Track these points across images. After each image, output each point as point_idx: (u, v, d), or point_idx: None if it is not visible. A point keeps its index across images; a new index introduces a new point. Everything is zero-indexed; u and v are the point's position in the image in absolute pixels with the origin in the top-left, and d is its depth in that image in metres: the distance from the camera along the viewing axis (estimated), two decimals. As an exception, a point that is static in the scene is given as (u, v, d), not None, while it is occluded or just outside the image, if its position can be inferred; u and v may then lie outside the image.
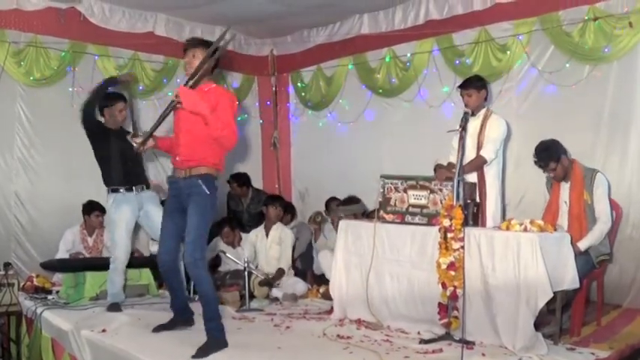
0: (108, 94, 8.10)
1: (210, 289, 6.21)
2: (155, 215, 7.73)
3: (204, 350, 5.90)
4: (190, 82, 6.22)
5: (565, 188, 7.16)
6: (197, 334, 6.33)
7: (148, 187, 8.01)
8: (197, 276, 6.18)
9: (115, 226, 7.94)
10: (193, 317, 6.88)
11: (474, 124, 7.41)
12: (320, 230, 10.13)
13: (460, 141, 6.63)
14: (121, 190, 7.87)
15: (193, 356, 5.84)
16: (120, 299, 7.85)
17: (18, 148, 9.95)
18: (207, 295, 6.19)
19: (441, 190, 6.61)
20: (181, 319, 6.81)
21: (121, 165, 7.69)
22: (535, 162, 7.17)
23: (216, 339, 6.07)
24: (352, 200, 9.33)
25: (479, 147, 7.40)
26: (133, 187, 7.85)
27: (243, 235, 10.02)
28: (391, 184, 7.01)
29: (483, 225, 6.95)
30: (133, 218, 7.89)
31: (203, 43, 6.39)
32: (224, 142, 6.17)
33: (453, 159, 7.49)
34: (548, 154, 7.03)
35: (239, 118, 12.28)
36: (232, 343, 6.17)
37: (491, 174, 7.47)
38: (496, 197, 7.51)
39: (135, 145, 6.38)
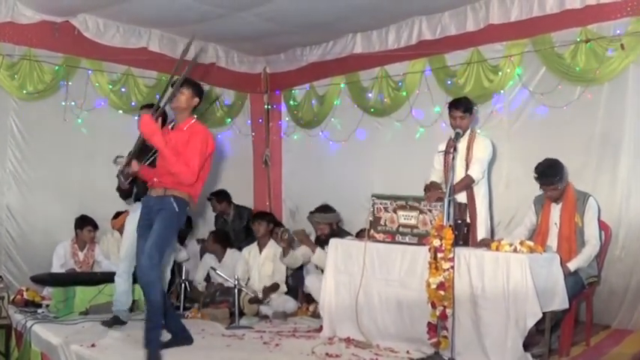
0: None
1: (158, 297, 6.27)
2: None
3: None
4: (158, 112, 6.55)
5: (556, 209, 7.20)
6: (185, 349, 6.47)
7: None
8: (148, 280, 6.25)
9: (126, 231, 8.05)
10: (190, 335, 6.89)
11: (460, 146, 7.44)
12: (288, 248, 9.95)
13: (452, 161, 6.67)
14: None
15: None
16: (119, 307, 7.86)
17: (10, 162, 9.92)
18: (155, 302, 6.25)
19: (430, 210, 6.64)
20: (179, 337, 6.80)
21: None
22: (537, 178, 7.17)
23: (155, 352, 6.14)
24: (327, 209, 9.28)
25: (467, 167, 7.45)
26: None
27: (229, 250, 10.03)
28: (380, 204, 7.04)
29: (474, 245, 6.95)
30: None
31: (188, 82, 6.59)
32: (178, 177, 6.38)
33: (435, 178, 7.64)
34: (555, 172, 7.06)
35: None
36: (221, 360, 6.21)
37: (480, 194, 7.54)
38: (486, 217, 7.57)
39: (119, 175, 6.57)
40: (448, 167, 7.18)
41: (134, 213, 7.89)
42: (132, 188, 7.88)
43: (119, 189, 7.96)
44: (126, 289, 7.95)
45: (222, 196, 11.29)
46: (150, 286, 6.24)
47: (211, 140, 6.60)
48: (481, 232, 7.41)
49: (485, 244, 6.63)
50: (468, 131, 7.61)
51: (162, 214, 6.38)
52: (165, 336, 6.83)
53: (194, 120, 6.58)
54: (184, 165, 6.28)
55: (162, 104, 6.51)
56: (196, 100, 6.59)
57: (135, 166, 6.67)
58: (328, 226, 8.95)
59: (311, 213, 9.27)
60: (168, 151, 6.23)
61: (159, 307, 6.28)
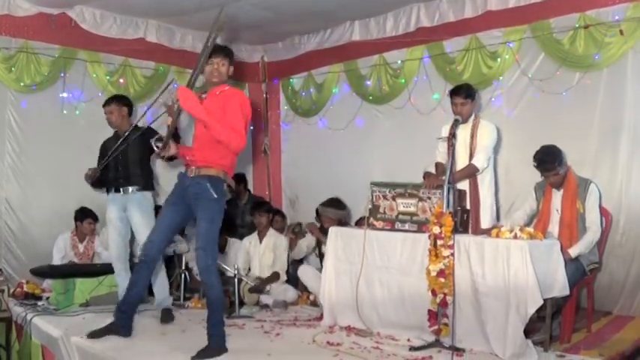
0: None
1: (220, 296, 6.30)
2: (134, 217, 7.79)
3: (204, 354, 6.00)
4: (192, 81, 6.25)
5: (557, 196, 7.18)
6: (188, 340, 6.51)
7: (144, 189, 7.87)
8: (209, 282, 6.22)
9: (110, 231, 8.02)
10: (132, 327, 6.82)
11: (464, 132, 7.39)
12: (296, 240, 10.02)
13: (450, 148, 6.64)
14: (111, 191, 7.93)
15: (194, 357, 5.94)
16: None
17: (8, 155, 9.93)
18: (217, 301, 6.26)
19: (429, 198, 6.61)
20: (123, 324, 6.73)
21: (114, 168, 7.72)
22: (537, 166, 7.15)
23: (218, 345, 6.15)
24: (339, 205, 9.23)
25: (471, 155, 7.39)
26: (121, 188, 7.85)
27: (231, 240, 10.05)
28: (379, 192, 7.01)
29: (475, 233, 6.92)
30: (120, 218, 7.88)
31: (226, 51, 6.41)
32: (229, 145, 6.14)
33: (441, 159, 7.60)
34: (554, 157, 7.03)
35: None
36: (222, 349, 6.20)
37: (486, 181, 7.47)
38: (491, 204, 7.53)
39: (156, 150, 6.46)
40: (452, 154, 7.12)
41: (109, 209, 7.98)
42: (100, 178, 7.94)
43: (91, 183, 8.02)
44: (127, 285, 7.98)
45: (241, 179, 11.44)
46: (210, 287, 6.24)
47: (248, 104, 6.35)
48: (485, 220, 7.36)
49: (483, 233, 6.61)
50: (472, 118, 7.53)
51: (203, 207, 6.23)
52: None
53: (228, 86, 6.36)
54: (231, 131, 6.03)
55: (194, 78, 6.33)
56: (231, 68, 6.43)
57: (173, 148, 6.42)
58: (336, 221, 8.90)
59: (322, 205, 9.22)
60: (212, 121, 5.99)
61: (220, 305, 6.30)
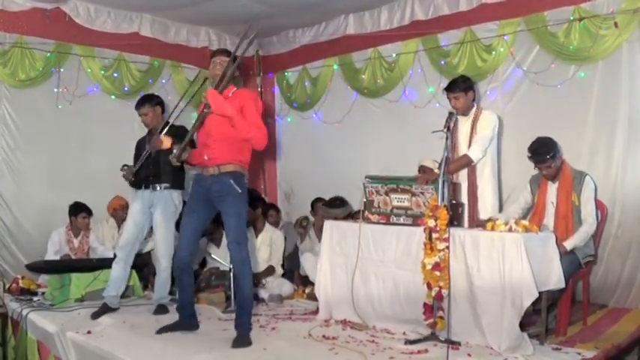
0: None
1: (251, 287, 6.53)
2: (156, 215, 7.85)
3: (245, 340, 6.29)
4: (219, 88, 6.38)
5: (553, 188, 7.16)
6: (182, 334, 6.57)
7: (172, 187, 7.93)
8: (243, 274, 6.43)
9: (128, 220, 8.06)
10: (198, 321, 6.98)
11: (465, 125, 7.36)
12: (306, 233, 10.08)
13: (446, 142, 6.61)
14: (141, 187, 7.94)
15: (237, 346, 6.18)
16: (109, 293, 7.79)
17: (3, 150, 9.90)
18: (247, 291, 6.47)
19: (422, 193, 6.59)
20: (188, 322, 6.86)
21: (145, 166, 7.72)
22: (530, 157, 7.12)
23: (245, 334, 6.37)
24: (337, 202, 9.24)
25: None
26: (150, 186, 7.88)
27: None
28: (372, 187, 7.00)
29: (471, 225, 6.91)
30: (143, 211, 7.90)
31: (228, 53, 6.61)
32: (254, 143, 6.46)
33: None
34: (547, 149, 7.00)
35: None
36: (218, 344, 6.20)
37: (486, 173, 7.33)
38: (491, 196, 7.40)
39: (173, 159, 6.56)
40: (449, 147, 7.08)
41: (134, 203, 8.03)
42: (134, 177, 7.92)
43: (131, 182, 7.99)
44: (121, 276, 7.89)
45: None
46: (242, 277, 6.42)
47: (259, 100, 6.67)
48: (485, 212, 7.25)
49: (481, 224, 6.60)
50: (473, 109, 7.43)
51: (229, 203, 6.40)
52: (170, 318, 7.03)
53: (235, 88, 6.57)
54: (256, 128, 6.33)
55: (225, 81, 6.43)
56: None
57: (186, 153, 6.59)
58: (334, 220, 8.88)
59: (325, 206, 9.28)
60: (241, 119, 6.23)
61: (250, 297, 6.54)
